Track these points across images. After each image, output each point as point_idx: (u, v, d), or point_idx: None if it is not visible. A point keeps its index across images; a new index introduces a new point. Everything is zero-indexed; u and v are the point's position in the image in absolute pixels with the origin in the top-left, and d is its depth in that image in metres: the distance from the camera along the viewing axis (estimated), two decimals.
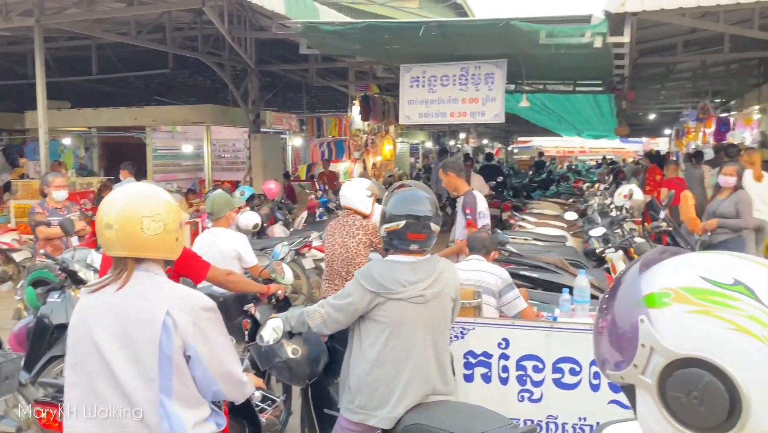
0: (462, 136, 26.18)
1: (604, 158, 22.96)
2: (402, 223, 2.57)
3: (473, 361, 3.40)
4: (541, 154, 25.87)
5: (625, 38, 7.48)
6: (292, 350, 2.65)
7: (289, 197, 11.40)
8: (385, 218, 2.64)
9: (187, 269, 3.31)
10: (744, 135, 14.18)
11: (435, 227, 2.62)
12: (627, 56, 9.08)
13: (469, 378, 3.40)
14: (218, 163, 14.24)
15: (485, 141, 28.19)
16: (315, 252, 7.56)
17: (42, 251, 5.05)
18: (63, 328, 4.38)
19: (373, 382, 2.54)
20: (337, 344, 3.03)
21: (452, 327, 3.41)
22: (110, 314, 1.90)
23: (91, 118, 13.77)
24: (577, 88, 13.31)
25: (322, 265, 7.65)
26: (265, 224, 8.39)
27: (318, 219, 10.32)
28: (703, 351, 0.83)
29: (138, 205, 1.91)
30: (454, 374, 2.84)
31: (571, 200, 12.06)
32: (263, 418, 2.62)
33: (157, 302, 1.89)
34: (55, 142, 14.28)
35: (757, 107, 12.98)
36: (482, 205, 5.36)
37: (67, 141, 14.76)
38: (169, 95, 18.01)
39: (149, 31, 10.48)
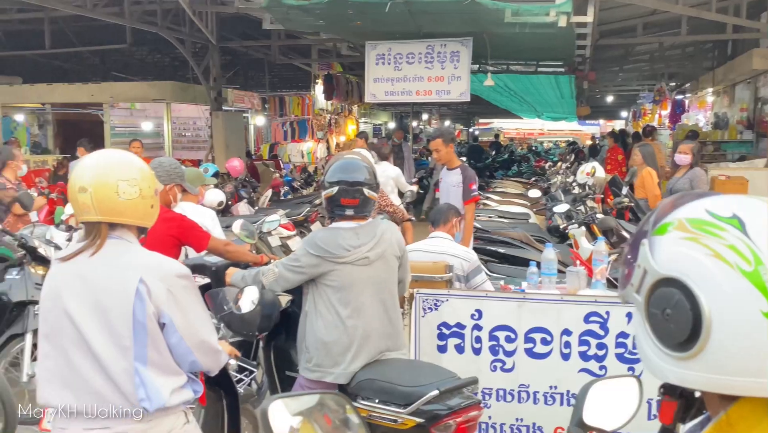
0: (425, 117, 26.24)
1: (573, 142, 23.39)
2: (335, 189, 2.71)
3: (447, 332, 3.43)
4: (497, 136, 26.16)
5: (589, 18, 7.59)
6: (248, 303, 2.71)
7: (252, 176, 11.25)
8: (324, 186, 2.80)
9: (190, 238, 3.40)
10: (698, 117, 14.60)
11: (369, 192, 2.75)
12: (589, 36, 9.22)
13: (442, 349, 3.43)
14: (179, 142, 13.93)
15: (447, 122, 28.32)
16: (281, 230, 7.49)
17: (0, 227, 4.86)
18: (23, 305, 4.26)
19: (327, 342, 2.69)
20: (297, 309, 3.12)
21: (426, 299, 3.45)
22: (82, 283, 1.85)
23: (44, 95, 13.26)
24: (540, 69, 13.46)
25: (288, 243, 7.66)
26: (229, 202, 8.27)
27: (283, 197, 10.24)
28: (680, 272, 0.88)
29: (114, 169, 1.86)
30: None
31: (533, 179, 12.25)
32: (240, 388, 2.61)
33: (131, 269, 1.85)
34: (7, 119, 13.76)
35: (710, 90, 13.36)
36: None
37: (19, 118, 14.22)
38: (127, 71, 17.49)
39: (106, 4, 10.11)
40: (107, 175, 1.84)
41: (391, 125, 25.10)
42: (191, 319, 1.91)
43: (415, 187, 9.39)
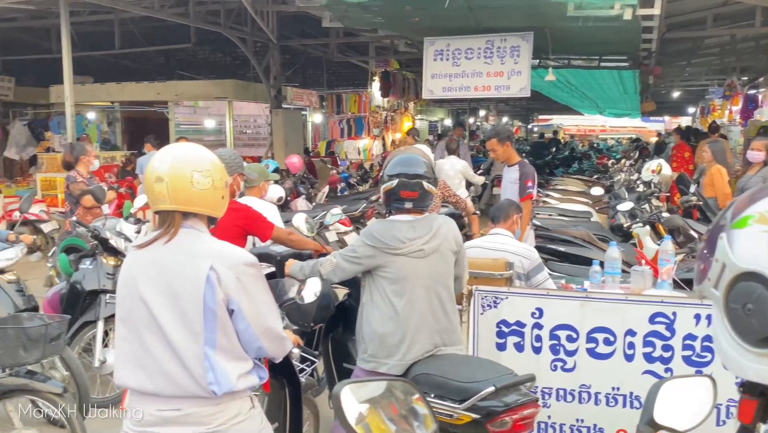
0: (482, 113, 25.98)
1: (637, 139, 22.63)
2: (395, 182, 2.74)
3: (506, 330, 3.39)
4: (555, 132, 25.61)
5: (656, 10, 7.33)
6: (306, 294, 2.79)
7: (310, 173, 11.43)
8: (383, 180, 2.82)
9: (255, 228, 3.51)
10: None
11: (428, 186, 2.77)
12: (655, 29, 8.91)
13: (501, 347, 3.40)
14: (240, 139, 14.27)
15: (505, 119, 27.94)
16: (338, 225, 7.58)
17: (74, 219, 5.10)
18: (95, 294, 4.46)
19: (382, 333, 2.72)
20: (354, 302, 3.17)
21: (485, 296, 3.42)
22: (156, 269, 1.93)
23: (114, 93, 13.83)
24: (602, 64, 13.09)
25: (345, 238, 7.74)
26: (288, 198, 8.43)
27: (339, 194, 10.35)
28: (763, 266, 0.85)
29: (189, 160, 1.93)
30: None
31: (595, 177, 11.95)
32: (301, 378, 2.66)
33: (202, 257, 1.91)
34: (79, 116, 14.36)
35: None
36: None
37: (91, 115, 14.85)
38: (190, 70, 18.03)
39: (172, 5, 10.45)
40: (182, 166, 1.91)
41: (448, 122, 24.98)
42: (258, 306, 1.96)
43: (482, 179, 9.35)
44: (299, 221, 3.84)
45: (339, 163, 14.10)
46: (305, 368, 2.75)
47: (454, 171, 8.19)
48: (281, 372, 2.55)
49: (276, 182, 8.17)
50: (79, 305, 4.42)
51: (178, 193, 1.91)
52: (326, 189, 10.05)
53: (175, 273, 1.91)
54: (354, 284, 3.13)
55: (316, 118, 17.11)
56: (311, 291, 2.65)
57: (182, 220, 1.95)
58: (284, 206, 8.28)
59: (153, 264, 1.93)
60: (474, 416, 2.42)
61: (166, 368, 1.90)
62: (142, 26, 13.18)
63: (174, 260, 1.92)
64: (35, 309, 4.15)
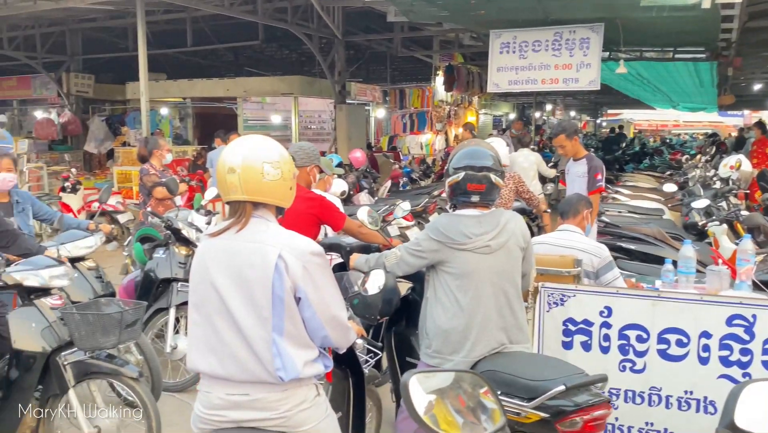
0: (548, 107, 25.41)
1: (714, 134, 21.53)
2: (461, 175, 2.66)
3: (573, 328, 3.31)
4: (621, 127, 24.71)
5: None
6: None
7: (372, 167, 11.49)
8: (448, 174, 2.74)
9: (328, 217, 3.57)
10: None
11: (496, 179, 2.68)
12: (736, 19, 8.45)
13: (567, 345, 3.32)
14: (305, 134, 14.51)
15: (572, 113, 27.23)
16: (400, 220, 7.58)
17: (149, 209, 5.31)
18: (167, 282, 4.63)
19: (446, 329, 2.66)
20: (417, 297, 3.15)
21: (551, 294, 3.35)
22: (228, 257, 1.99)
23: (186, 89, 14.33)
24: (677, 56, 12.54)
25: (407, 233, 7.74)
26: (351, 192, 8.50)
27: (401, 189, 10.36)
28: None
29: (259, 152, 1.98)
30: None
31: (667, 173, 11.48)
32: (365, 369, 2.68)
33: (271, 245, 1.96)
34: (153, 112, 14.98)
35: None
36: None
37: (164, 111, 15.43)
38: (258, 67, 18.46)
39: (241, 3, 10.72)
40: (254, 158, 1.96)
41: (513, 116, 24.58)
42: (324, 295, 2.00)
43: (553, 172, 9.17)
44: (363, 213, 3.86)
45: (401, 158, 14.11)
46: (369, 359, 2.77)
47: (529, 163, 8.11)
48: (345, 363, 2.58)
49: (339, 177, 8.27)
50: (153, 292, 4.60)
51: (250, 184, 1.96)
52: (388, 184, 10.07)
53: (245, 261, 1.96)
54: (418, 279, 3.11)
55: (379, 113, 17.18)
56: (374, 284, 2.65)
57: (252, 210, 2.00)
58: (347, 200, 8.37)
59: (224, 252, 1.99)
60: (542, 415, 2.36)
61: (236, 352, 1.95)
62: (213, 24, 13.59)
63: (244, 248, 1.97)
64: (112, 295, 4.34)
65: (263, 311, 1.93)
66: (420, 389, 1.21)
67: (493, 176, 2.67)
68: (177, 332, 4.55)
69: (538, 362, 2.71)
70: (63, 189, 9.54)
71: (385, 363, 3.58)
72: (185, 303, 4.55)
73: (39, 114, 16.53)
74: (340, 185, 7.43)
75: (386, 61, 17.68)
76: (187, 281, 4.68)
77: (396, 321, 3.25)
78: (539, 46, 8.70)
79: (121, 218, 8.88)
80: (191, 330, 2.06)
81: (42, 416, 3.18)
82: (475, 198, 2.68)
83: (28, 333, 3.10)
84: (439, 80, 15.56)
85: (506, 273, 2.71)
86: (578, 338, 3.31)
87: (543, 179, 9.01)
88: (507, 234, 2.69)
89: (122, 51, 14.96)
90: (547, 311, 3.35)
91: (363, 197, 8.99)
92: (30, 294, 3.17)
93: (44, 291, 3.20)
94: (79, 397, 3.14)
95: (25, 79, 16.74)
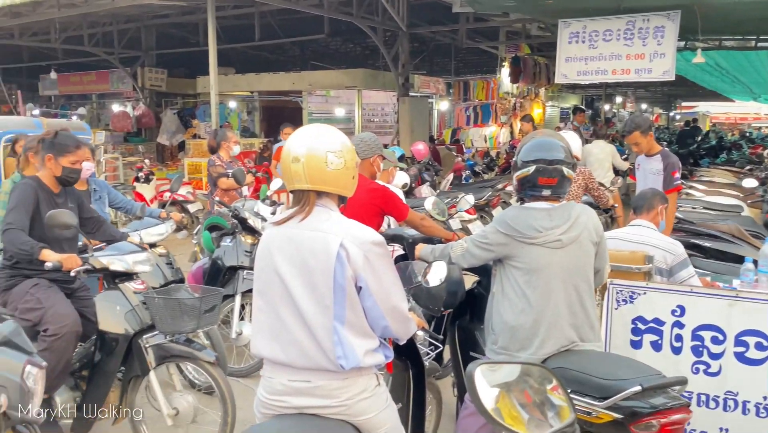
0: (618, 100, 24.59)
1: None
2: (532, 168, 2.57)
3: (642, 327, 3.18)
4: (695, 120, 23.54)
5: None
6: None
7: (434, 160, 11.42)
8: (517, 167, 2.65)
9: (392, 208, 3.57)
10: None
11: (568, 172, 2.58)
12: None
13: (636, 345, 3.20)
14: (368, 127, 14.58)
15: (644, 106, 26.24)
16: (463, 213, 7.51)
17: (217, 199, 5.46)
18: (233, 270, 4.74)
19: (513, 325, 2.58)
20: (483, 291, 3.07)
21: (620, 291, 3.23)
22: (291, 245, 2.01)
23: (253, 83, 14.65)
24: (760, 44, 11.85)
25: (469, 226, 7.66)
26: (413, 185, 8.48)
27: (464, 182, 10.25)
28: None
29: (323, 142, 1.99)
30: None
31: (747, 168, 10.88)
32: (425, 362, 2.65)
33: (333, 234, 1.96)
34: (222, 105, 15.41)
35: None
36: None
37: (232, 104, 15.82)
38: (323, 61, 18.67)
39: None
40: (318, 147, 1.97)
41: (579, 109, 23.88)
42: (385, 284, 1.99)
43: (627, 164, 8.91)
44: (429, 204, 3.84)
45: (464, 150, 13.97)
46: (429, 352, 2.74)
47: (604, 154, 7.94)
48: (405, 354, 2.56)
49: (401, 169, 8.26)
50: (220, 279, 4.72)
51: (313, 173, 1.97)
52: (450, 177, 10.00)
53: (307, 249, 1.97)
54: (484, 272, 3.05)
55: (442, 105, 17.05)
56: (436, 275, 2.61)
57: (316, 199, 2.01)
58: (408, 193, 8.34)
59: (288, 240, 2.01)
60: (616, 415, 2.26)
61: (298, 339, 1.98)
62: (280, 19, 13.82)
63: (307, 237, 1.98)
64: (181, 281, 4.48)
65: (325, 299, 1.95)
66: (485, 381, 1.17)
67: (565, 169, 2.56)
68: (242, 319, 4.66)
69: (612, 361, 2.59)
70: (137, 179, 9.95)
71: (446, 357, 3.54)
72: (250, 290, 4.66)
73: (115, 107, 17.30)
74: (402, 177, 7.42)
75: (450, 53, 17.51)
76: (252, 269, 4.81)
77: (460, 314, 3.20)
78: (610, 36, 8.39)
79: (191, 208, 9.19)
80: (255, 316, 2.09)
81: (124, 396, 3.31)
82: (546, 192, 2.58)
83: (112, 316, 3.23)
84: (505, 72, 15.30)
85: (578, 269, 2.59)
86: (648, 338, 3.18)
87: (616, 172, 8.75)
88: (579, 228, 2.58)
89: (193, 46, 15.44)
90: (615, 309, 3.24)
91: (425, 190, 8.95)
92: (114, 278, 3.31)
93: (128, 276, 3.32)
94: (158, 379, 3.26)
95: (104, 74, 17.56)
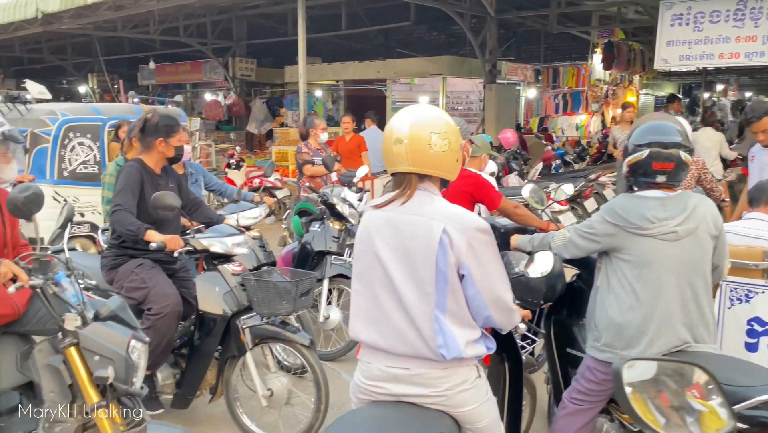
0: (719, 87, 23.09)
1: None
2: (645, 152, 2.39)
3: (759, 329, 2.94)
4: None
5: None
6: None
7: (522, 148, 11.12)
8: (627, 152, 2.46)
9: (484, 196, 3.53)
10: None
11: (685, 156, 2.38)
12: None
13: (752, 348, 2.96)
14: (452, 115, 14.20)
15: (748, 94, 24.50)
16: (554, 204, 7.24)
17: (307, 185, 5.53)
18: (322, 254, 4.79)
19: (620, 322, 2.41)
20: (583, 285, 2.91)
21: (734, 288, 2.99)
22: (391, 229, 1.95)
23: (339, 72, 14.76)
24: None
25: (560, 218, 7.39)
26: (500, 174, 8.28)
27: (554, 171, 9.93)
28: None
29: (427, 122, 1.92)
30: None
31: None
32: (522, 356, 2.55)
33: (435, 219, 1.89)
34: (308, 94, 15.67)
35: None
36: None
37: (318, 93, 16.05)
38: (407, 49, 18.60)
39: None
40: (422, 127, 1.90)
41: (675, 96, 22.59)
42: (489, 273, 1.90)
43: (734, 154, 8.38)
44: (526, 192, 3.71)
45: (554, 139, 13.53)
46: (525, 345, 2.63)
47: (711, 143, 7.49)
48: (501, 347, 2.45)
49: (491, 158, 8.08)
50: (308, 263, 4.78)
51: (416, 155, 1.90)
52: (539, 166, 9.71)
53: (409, 234, 1.91)
54: (585, 265, 2.89)
55: (530, 93, 16.58)
56: (540, 266, 2.49)
57: (418, 182, 1.94)
58: (496, 182, 8.16)
59: (389, 224, 1.96)
60: (741, 426, 2.03)
61: (398, 325, 1.92)
62: (366, 7, 13.86)
63: (408, 221, 1.92)
64: (273, 264, 4.57)
65: (426, 286, 1.88)
66: (632, 376, 1.07)
67: (682, 154, 2.36)
68: (329, 303, 4.70)
69: (732, 365, 2.36)
70: (228, 165, 10.29)
71: (537, 350, 3.41)
72: (338, 276, 4.71)
73: (208, 96, 17.96)
74: (489, 166, 7.24)
75: (538, 39, 17.00)
76: (340, 254, 4.86)
77: (557, 309, 3.05)
78: (718, 17, 7.83)
79: (279, 194, 9.40)
80: (354, 299, 2.06)
81: (221, 376, 3.40)
82: (660, 178, 2.39)
83: (211, 296, 3.33)
84: (597, 58, 14.70)
85: (694, 263, 2.39)
86: (765, 340, 2.94)
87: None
88: (696, 219, 2.38)
89: (281, 36, 15.75)
90: (729, 308, 3.02)
91: (512, 179, 8.73)
92: (213, 260, 3.40)
93: (226, 258, 3.40)
94: (254, 360, 3.32)
95: (197, 64, 18.27)
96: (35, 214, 2.39)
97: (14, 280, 2.18)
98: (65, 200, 5.83)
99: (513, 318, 2.01)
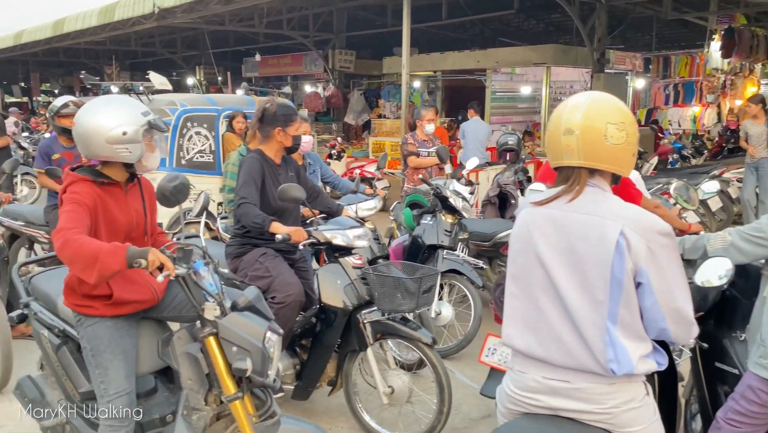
0: None
1: None
2: None
3: None
4: None
5: None
6: None
7: None
8: None
9: (623, 193, 3.23)
10: None
11: None
12: None
13: None
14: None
15: None
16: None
17: (419, 176, 5.43)
18: (433, 248, 4.67)
19: None
20: (737, 293, 2.63)
21: None
22: (555, 229, 1.78)
23: (437, 62, 14.58)
24: None
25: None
26: None
27: (670, 166, 9.33)
28: None
29: (603, 111, 1.74)
30: None
31: None
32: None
33: (610, 220, 1.70)
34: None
35: None
36: None
37: (416, 84, 15.95)
38: (506, 38, 18.13)
39: None
40: (596, 117, 1.72)
41: None
42: (669, 282, 1.70)
43: None
44: (672, 189, 3.44)
45: (664, 132, 12.74)
46: (676, 358, 2.39)
47: None
48: None
49: None
50: (420, 257, 4.68)
51: (589, 148, 1.72)
52: (654, 160, 9.15)
53: (578, 234, 1.74)
54: (742, 271, 2.61)
55: (638, 83, 15.71)
56: (715, 273, 2.25)
57: (588, 177, 1.77)
58: None
59: (552, 223, 1.79)
60: None
61: (560, 334, 1.76)
62: None
63: (578, 220, 1.75)
64: (387, 257, 4.49)
65: (598, 293, 1.70)
66: None
67: None
68: (440, 299, 4.58)
69: None
70: (329, 156, 10.39)
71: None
72: (450, 271, 4.58)
73: (308, 88, 18.31)
74: None
75: (648, 26, 16.04)
76: (452, 248, 4.72)
77: (704, 319, 2.78)
78: None
79: (378, 185, 9.38)
80: (508, 302, 1.90)
81: (340, 369, 3.37)
82: None
83: (333, 289, 3.29)
84: (715, 46, 13.66)
85: None
86: None
87: None
88: None
89: (379, 27, 15.75)
90: None
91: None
92: (335, 252, 3.36)
93: (347, 250, 3.36)
94: (375, 356, 3.26)
95: (298, 56, 18.66)
96: (181, 203, 2.42)
97: (161, 268, 2.19)
98: (201, 191, 6.03)
99: (691, 331, 1.79)
